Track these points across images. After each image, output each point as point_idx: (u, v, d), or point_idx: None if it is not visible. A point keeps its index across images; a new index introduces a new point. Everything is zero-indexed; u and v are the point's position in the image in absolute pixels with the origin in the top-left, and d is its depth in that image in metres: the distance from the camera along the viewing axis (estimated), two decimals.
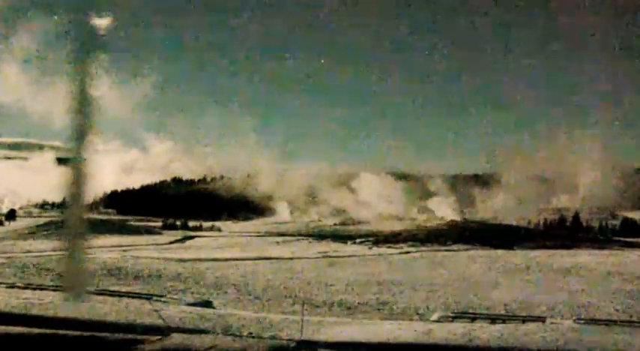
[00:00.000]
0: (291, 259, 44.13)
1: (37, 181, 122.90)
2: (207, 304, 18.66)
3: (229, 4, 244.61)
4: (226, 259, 42.17)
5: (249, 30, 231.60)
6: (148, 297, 20.95)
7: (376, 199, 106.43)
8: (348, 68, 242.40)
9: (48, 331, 3.31)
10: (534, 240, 64.91)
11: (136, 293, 23.11)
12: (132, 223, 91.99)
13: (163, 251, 50.69)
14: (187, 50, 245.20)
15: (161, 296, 22.11)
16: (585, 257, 44.90)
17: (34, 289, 23.63)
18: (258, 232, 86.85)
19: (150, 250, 51.52)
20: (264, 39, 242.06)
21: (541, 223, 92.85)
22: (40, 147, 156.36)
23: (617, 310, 21.94)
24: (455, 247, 59.57)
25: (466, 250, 56.46)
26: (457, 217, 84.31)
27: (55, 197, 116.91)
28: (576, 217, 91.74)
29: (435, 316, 19.11)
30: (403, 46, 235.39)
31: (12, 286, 24.27)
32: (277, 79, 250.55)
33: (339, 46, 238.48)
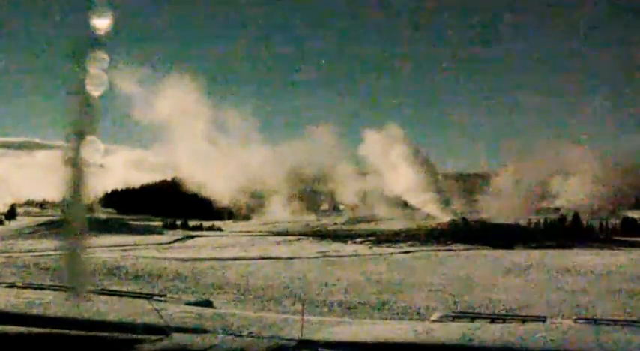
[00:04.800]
0: (292, 258, 44.14)
1: (38, 180, 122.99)
2: (208, 303, 18.63)
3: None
4: (227, 259, 42.22)
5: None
6: (149, 296, 20.96)
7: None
8: (347, 63, 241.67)
9: (48, 330, 3.31)
10: (534, 240, 64.90)
11: (136, 292, 23.12)
12: (132, 222, 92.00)
13: (164, 251, 50.71)
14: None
15: (161, 295, 22.11)
16: (585, 257, 44.90)
17: (35, 288, 23.67)
18: (259, 232, 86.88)
19: (150, 249, 51.54)
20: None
21: (541, 223, 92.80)
22: (41, 146, 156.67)
23: (618, 310, 21.95)
24: (455, 247, 59.54)
25: (466, 250, 56.43)
26: (456, 217, 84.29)
27: (56, 196, 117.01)
28: (576, 217, 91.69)
29: (435, 316, 19.11)
30: (404, 43, 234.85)
31: (12, 286, 24.32)
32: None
33: (343, 44, 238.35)
